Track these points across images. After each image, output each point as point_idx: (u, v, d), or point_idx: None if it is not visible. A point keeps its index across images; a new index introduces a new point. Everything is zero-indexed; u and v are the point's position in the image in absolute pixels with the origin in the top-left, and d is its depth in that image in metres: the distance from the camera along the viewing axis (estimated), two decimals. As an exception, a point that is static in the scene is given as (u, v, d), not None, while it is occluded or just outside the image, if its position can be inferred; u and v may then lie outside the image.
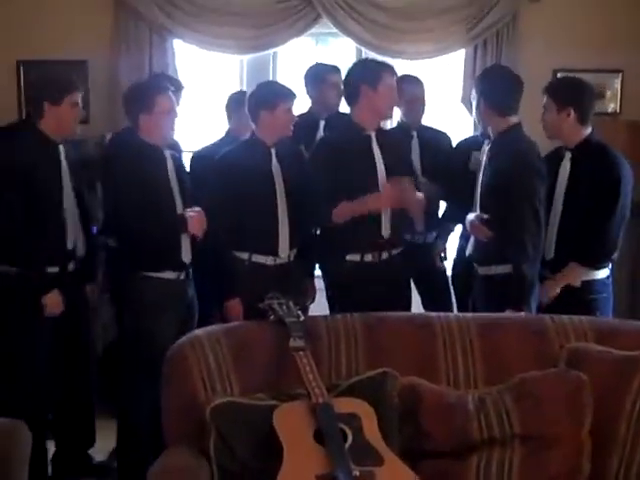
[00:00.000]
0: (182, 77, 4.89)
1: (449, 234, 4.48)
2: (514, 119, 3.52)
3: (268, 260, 3.68)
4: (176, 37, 5.05)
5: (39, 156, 3.55)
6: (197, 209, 3.54)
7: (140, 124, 3.53)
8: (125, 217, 3.47)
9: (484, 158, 3.62)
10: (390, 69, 3.69)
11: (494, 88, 3.52)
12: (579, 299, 3.52)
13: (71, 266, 3.67)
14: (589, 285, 3.55)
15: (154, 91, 3.56)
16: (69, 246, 3.63)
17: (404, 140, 4.22)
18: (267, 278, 3.59)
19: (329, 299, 3.76)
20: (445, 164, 4.34)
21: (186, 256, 3.57)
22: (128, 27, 4.99)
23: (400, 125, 4.54)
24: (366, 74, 3.63)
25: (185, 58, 5.18)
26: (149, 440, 3.62)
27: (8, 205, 3.48)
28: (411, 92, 4.29)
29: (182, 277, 3.59)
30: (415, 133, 4.46)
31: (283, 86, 3.82)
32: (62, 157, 3.64)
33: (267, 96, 3.70)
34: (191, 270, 3.63)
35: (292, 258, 3.75)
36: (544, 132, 3.63)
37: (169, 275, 3.54)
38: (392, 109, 3.77)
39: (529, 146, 3.53)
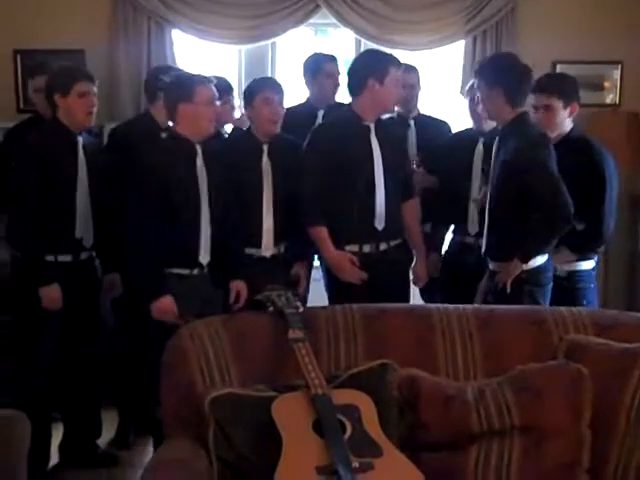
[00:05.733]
0: (180, 67, 4.87)
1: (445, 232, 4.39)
2: (521, 109, 3.45)
3: (255, 252, 3.71)
4: (174, 27, 5.02)
5: (57, 145, 3.61)
6: None
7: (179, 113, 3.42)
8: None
9: (493, 150, 3.60)
10: (396, 62, 3.68)
11: (511, 78, 3.41)
12: (566, 288, 3.61)
13: (84, 255, 3.70)
14: (576, 275, 3.67)
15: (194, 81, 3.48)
16: (77, 235, 3.64)
17: (401, 132, 4.20)
18: (257, 269, 3.61)
19: (328, 289, 3.77)
20: (444, 153, 4.31)
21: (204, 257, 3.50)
22: (126, 16, 4.95)
23: (398, 114, 4.52)
24: (374, 67, 3.62)
25: (183, 48, 5.15)
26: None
27: (24, 191, 3.54)
28: (405, 80, 4.27)
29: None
30: (412, 122, 4.45)
31: (264, 78, 3.96)
32: (79, 147, 3.66)
33: (246, 90, 3.80)
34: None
35: (282, 250, 3.77)
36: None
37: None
38: (395, 103, 3.76)
39: (537, 131, 3.48)
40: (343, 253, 3.61)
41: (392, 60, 3.68)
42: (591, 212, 3.59)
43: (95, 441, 4.00)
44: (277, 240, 3.73)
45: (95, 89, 3.66)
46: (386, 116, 4.35)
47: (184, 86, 3.44)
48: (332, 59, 4.48)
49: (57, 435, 3.90)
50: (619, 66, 5.19)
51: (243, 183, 3.66)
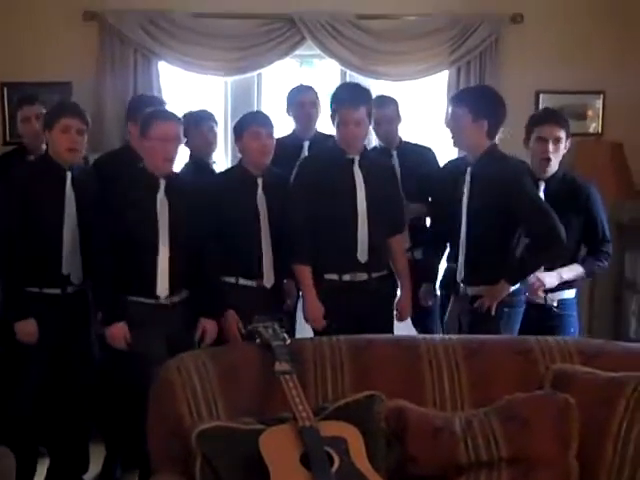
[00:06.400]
0: (166, 99, 4.89)
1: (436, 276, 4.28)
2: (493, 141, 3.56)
3: (254, 284, 3.72)
4: (161, 59, 5.04)
5: (44, 181, 3.59)
6: None
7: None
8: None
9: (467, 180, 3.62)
10: (342, 100, 3.64)
11: (495, 113, 3.52)
12: (553, 315, 3.75)
13: (70, 289, 3.66)
14: (560, 303, 3.78)
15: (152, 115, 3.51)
16: (64, 272, 3.62)
17: (388, 164, 4.16)
18: (254, 301, 3.62)
19: None
20: (430, 180, 4.30)
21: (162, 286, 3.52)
22: (113, 49, 4.97)
23: (380, 146, 4.54)
24: (331, 104, 3.72)
25: (169, 80, 5.17)
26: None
27: (5, 224, 3.53)
28: (382, 113, 4.30)
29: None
30: (395, 152, 4.47)
31: (253, 113, 4.02)
32: (67, 182, 3.62)
33: (236, 125, 3.83)
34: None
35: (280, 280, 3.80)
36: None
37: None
38: (350, 141, 3.66)
39: (516, 160, 3.63)
40: (319, 306, 3.63)
41: (338, 98, 3.69)
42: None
43: (82, 476, 3.95)
44: (277, 270, 3.75)
45: (83, 126, 3.61)
46: (370, 146, 4.38)
47: (144, 121, 3.47)
48: (305, 89, 4.60)
49: (42, 470, 3.85)
50: (601, 96, 5.25)
51: (238, 217, 3.67)
